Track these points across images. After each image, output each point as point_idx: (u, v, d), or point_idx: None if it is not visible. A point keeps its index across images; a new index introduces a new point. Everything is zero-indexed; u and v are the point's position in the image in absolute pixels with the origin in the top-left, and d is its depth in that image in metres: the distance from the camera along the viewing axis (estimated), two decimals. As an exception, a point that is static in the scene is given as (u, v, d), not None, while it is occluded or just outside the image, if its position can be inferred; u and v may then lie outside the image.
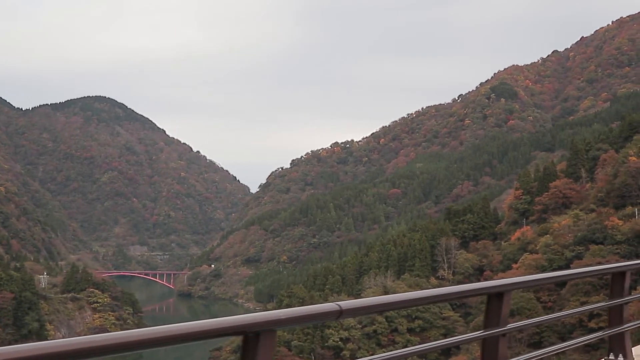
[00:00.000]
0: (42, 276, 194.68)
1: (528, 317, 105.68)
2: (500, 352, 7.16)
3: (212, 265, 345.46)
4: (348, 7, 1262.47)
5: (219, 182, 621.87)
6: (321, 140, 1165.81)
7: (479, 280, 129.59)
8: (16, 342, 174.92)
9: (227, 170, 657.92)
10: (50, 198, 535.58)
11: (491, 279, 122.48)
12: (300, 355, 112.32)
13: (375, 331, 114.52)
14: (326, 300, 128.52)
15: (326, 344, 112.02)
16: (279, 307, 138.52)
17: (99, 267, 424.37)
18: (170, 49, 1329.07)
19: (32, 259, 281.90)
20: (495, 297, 6.87)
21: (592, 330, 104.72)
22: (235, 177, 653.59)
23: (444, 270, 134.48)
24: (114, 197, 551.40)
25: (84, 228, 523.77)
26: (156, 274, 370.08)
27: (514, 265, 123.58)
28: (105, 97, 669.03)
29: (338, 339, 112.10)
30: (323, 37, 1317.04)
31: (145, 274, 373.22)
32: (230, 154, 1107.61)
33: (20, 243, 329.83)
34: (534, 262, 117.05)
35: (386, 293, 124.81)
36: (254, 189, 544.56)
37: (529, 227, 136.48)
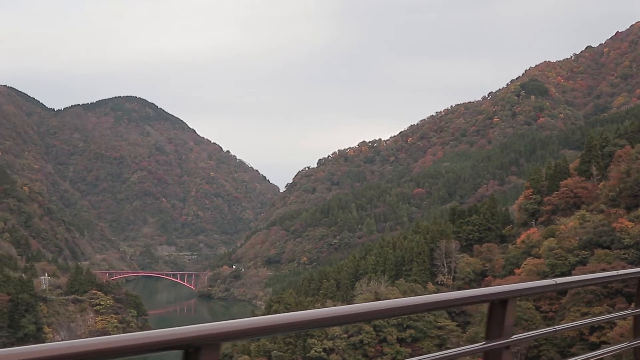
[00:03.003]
0: (43, 277, 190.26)
1: (524, 329, 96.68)
2: None
3: (233, 267, 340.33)
4: (379, 8, 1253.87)
5: (249, 181, 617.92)
6: (351, 139, 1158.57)
7: (479, 287, 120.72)
8: (11, 345, 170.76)
9: (256, 170, 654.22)
10: (79, 198, 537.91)
11: (491, 284, 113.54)
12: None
13: (361, 341, 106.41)
14: (322, 306, 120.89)
15: (308, 355, 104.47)
16: (268, 313, 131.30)
17: (125, 267, 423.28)
18: (202, 50, 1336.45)
19: (49, 259, 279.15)
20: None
21: (594, 345, 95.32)
22: (265, 177, 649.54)
23: (444, 275, 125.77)
24: (142, 197, 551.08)
25: (113, 228, 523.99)
26: (177, 275, 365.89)
27: (517, 271, 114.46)
28: (135, 97, 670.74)
29: (321, 350, 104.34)
30: (354, 38, 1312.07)
31: (166, 275, 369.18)
32: (261, 153, 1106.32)
33: (41, 243, 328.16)
34: (535, 268, 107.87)
35: (378, 299, 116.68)
36: (283, 188, 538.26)
37: (535, 229, 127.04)
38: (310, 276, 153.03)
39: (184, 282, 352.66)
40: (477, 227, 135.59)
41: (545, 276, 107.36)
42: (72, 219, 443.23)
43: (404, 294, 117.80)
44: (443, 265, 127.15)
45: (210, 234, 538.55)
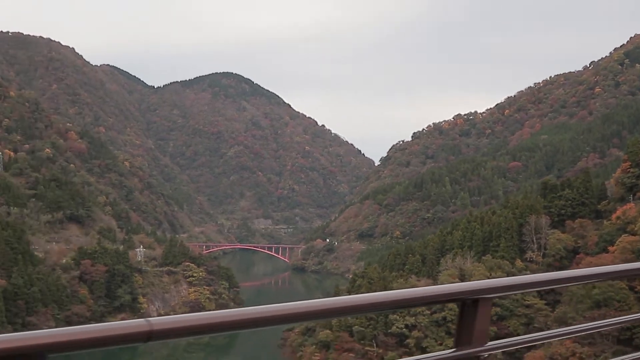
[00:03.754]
0: (138, 249, 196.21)
1: (617, 310, 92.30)
2: None
3: (327, 240, 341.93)
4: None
5: (344, 155, 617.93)
6: (446, 112, 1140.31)
7: (570, 265, 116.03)
8: (109, 314, 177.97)
9: (351, 144, 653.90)
10: (179, 172, 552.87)
11: (582, 262, 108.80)
12: (362, 342, 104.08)
13: (444, 318, 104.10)
14: (407, 283, 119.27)
15: (389, 331, 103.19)
16: (352, 287, 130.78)
17: (222, 239, 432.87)
18: (299, 26, 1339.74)
19: (148, 231, 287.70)
20: None
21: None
22: (360, 151, 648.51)
23: (533, 251, 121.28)
24: (239, 171, 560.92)
25: (211, 201, 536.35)
26: (271, 248, 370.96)
27: (611, 248, 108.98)
28: (232, 73, 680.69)
29: (403, 326, 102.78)
30: (449, 9, 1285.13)
31: (260, 248, 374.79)
32: (356, 127, 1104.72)
33: (141, 216, 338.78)
34: (629, 246, 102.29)
35: (462, 276, 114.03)
36: (378, 162, 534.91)
37: (632, 204, 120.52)
38: (397, 251, 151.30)
39: (279, 255, 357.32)
40: (570, 202, 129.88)
41: (639, 255, 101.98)
42: (171, 192, 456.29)
43: (490, 270, 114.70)
44: (532, 241, 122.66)
45: (305, 208, 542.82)
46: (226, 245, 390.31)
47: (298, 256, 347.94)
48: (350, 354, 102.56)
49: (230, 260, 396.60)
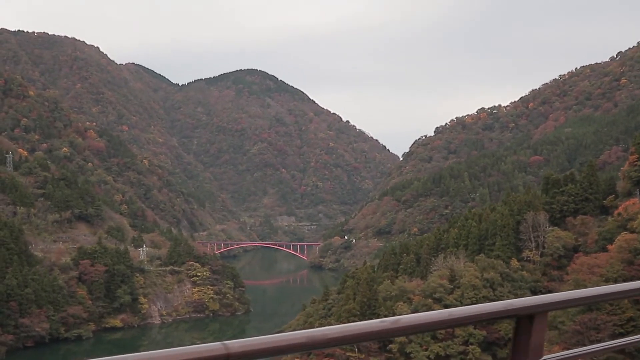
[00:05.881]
0: (141, 249, 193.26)
1: (608, 315, 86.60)
2: None
3: (345, 237, 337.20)
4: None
5: (368, 151, 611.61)
6: (471, 106, 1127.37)
7: (568, 264, 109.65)
8: (108, 314, 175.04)
9: (376, 140, 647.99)
10: (202, 170, 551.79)
11: (576, 261, 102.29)
12: (343, 347, 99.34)
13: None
14: (393, 285, 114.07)
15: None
16: (342, 288, 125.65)
17: (244, 237, 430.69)
18: (323, 23, 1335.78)
19: (164, 230, 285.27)
20: None
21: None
22: (384, 147, 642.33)
23: (530, 250, 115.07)
24: (263, 168, 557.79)
25: (234, 199, 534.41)
26: (290, 245, 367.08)
27: (610, 247, 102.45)
28: (256, 70, 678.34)
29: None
30: (475, 5, 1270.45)
31: (278, 245, 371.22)
32: (381, 123, 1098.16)
33: (159, 214, 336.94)
34: (626, 244, 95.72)
35: (453, 277, 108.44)
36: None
37: (637, 199, 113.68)
38: (392, 250, 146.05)
39: (297, 252, 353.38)
40: (572, 197, 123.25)
41: (637, 254, 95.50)
42: (193, 190, 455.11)
43: (483, 270, 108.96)
44: (530, 239, 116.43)
45: (329, 204, 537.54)
46: (245, 243, 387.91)
47: (316, 254, 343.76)
48: None
49: (252, 258, 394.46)
